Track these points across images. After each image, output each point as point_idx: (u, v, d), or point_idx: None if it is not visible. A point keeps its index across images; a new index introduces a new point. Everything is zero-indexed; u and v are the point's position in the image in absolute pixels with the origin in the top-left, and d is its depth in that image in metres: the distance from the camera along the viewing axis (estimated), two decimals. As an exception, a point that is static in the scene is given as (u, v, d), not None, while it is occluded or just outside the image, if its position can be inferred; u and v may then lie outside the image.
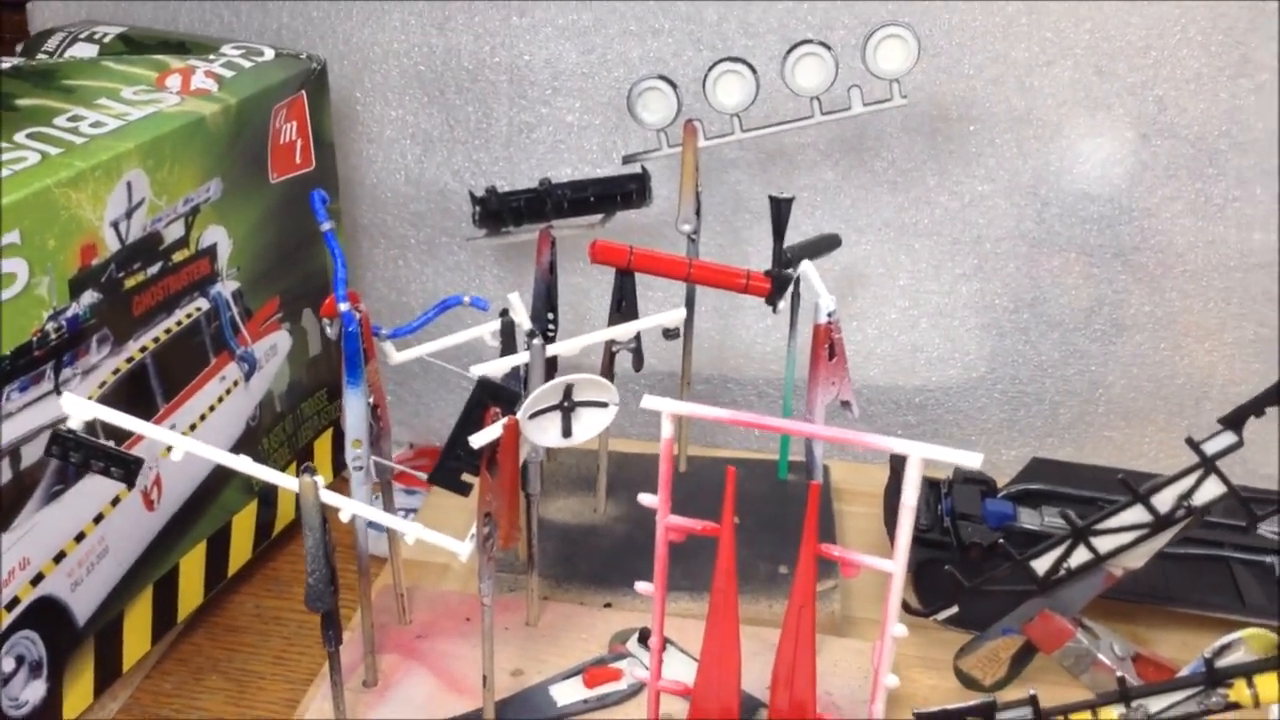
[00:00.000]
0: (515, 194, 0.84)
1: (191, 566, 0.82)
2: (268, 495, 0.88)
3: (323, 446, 0.95)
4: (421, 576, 0.85)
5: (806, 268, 0.65)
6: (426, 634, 0.74)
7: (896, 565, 0.54)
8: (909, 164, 0.93)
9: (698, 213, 0.81)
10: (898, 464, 0.88)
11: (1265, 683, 0.55)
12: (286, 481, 0.58)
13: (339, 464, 0.97)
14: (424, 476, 0.62)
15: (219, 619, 0.86)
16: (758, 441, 1.03)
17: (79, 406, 0.55)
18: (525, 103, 0.95)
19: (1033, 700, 0.57)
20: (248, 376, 0.85)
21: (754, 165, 0.95)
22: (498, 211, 0.84)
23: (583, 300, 1.00)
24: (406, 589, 0.77)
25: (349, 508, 0.59)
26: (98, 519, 0.73)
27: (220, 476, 0.83)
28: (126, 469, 0.57)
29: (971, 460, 0.51)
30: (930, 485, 0.86)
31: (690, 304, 0.85)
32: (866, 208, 0.95)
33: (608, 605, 0.79)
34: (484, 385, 0.59)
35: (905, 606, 0.75)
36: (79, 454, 0.55)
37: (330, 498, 0.58)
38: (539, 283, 0.83)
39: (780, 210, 0.73)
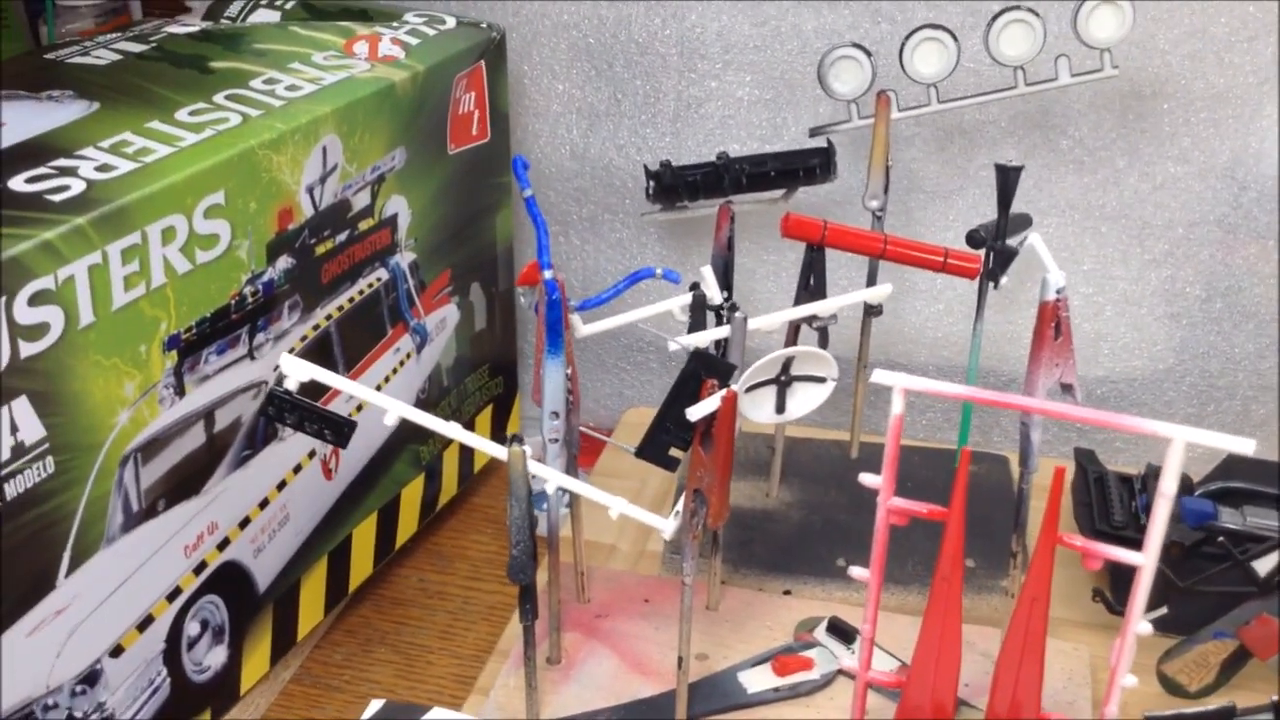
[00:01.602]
0: (691, 168, 0.82)
1: (363, 538, 0.82)
2: (434, 469, 0.87)
3: (483, 422, 0.94)
4: (591, 556, 0.83)
5: (1035, 240, 0.62)
6: (606, 614, 0.73)
7: (1147, 558, 0.50)
8: (1097, 143, 0.89)
9: (886, 189, 0.79)
10: (1084, 459, 0.85)
11: None
12: (497, 450, 0.57)
13: (498, 440, 0.96)
14: (630, 449, 0.60)
15: (385, 592, 0.86)
16: (922, 430, 1.00)
17: (297, 367, 0.54)
18: (694, 76, 0.93)
19: (1275, 707, 0.54)
20: (419, 349, 0.84)
21: (930, 143, 0.92)
22: (673, 186, 0.82)
23: (746, 280, 0.98)
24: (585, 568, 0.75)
25: (555, 479, 0.57)
26: (281, 486, 0.73)
27: (391, 449, 0.82)
28: (339, 431, 0.56)
29: (1242, 446, 0.47)
30: (1122, 480, 0.82)
31: (871, 284, 0.82)
32: (1050, 188, 0.91)
33: (787, 592, 0.77)
34: (700, 356, 0.57)
35: (1109, 606, 0.72)
36: (294, 415, 0.55)
37: (537, 468, 0.57)
38: (716, 258, 0.80)
39: (1008, 178, 0.70)
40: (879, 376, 0.52)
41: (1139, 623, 0.51)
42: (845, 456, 0.88)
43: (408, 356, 0.83)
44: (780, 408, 0.57)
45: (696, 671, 0.68)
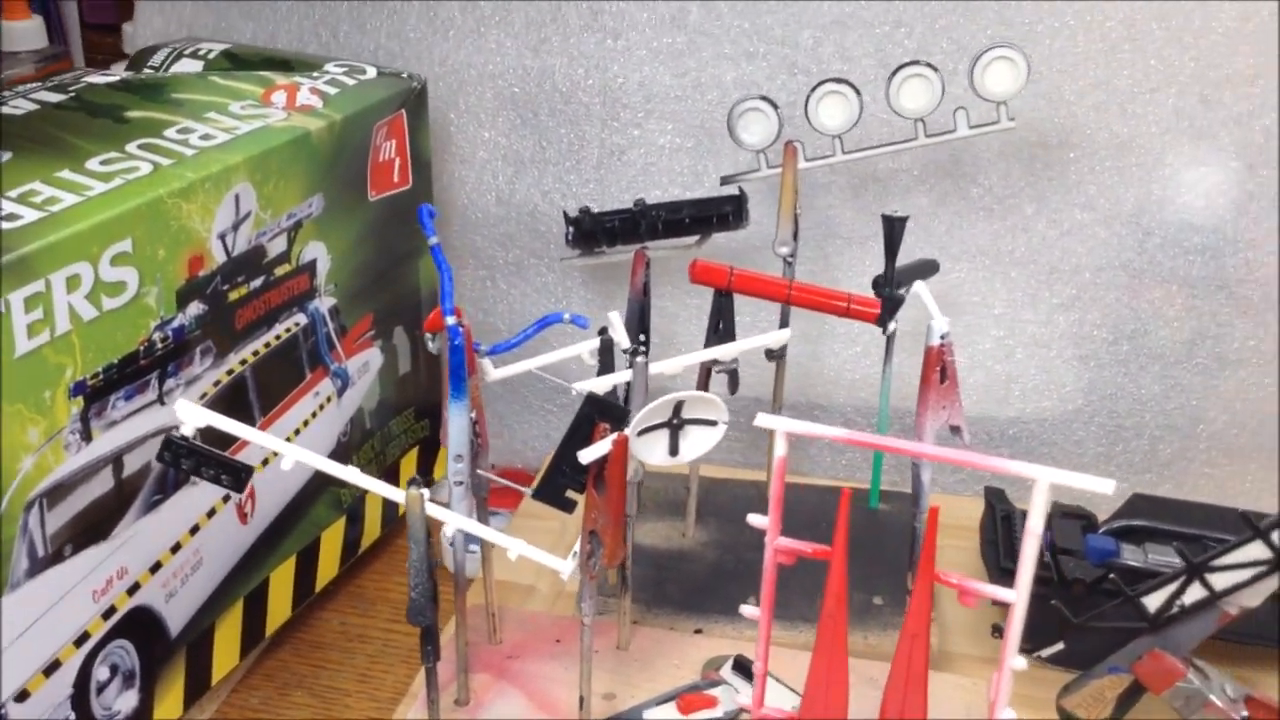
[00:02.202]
0: (609, 214, 0.84)
1: (281, 581, 0.82)
2: (355, 512, 0.88)
3: (409, 464, 0.95)
4: (507, 597, 0.84)
5: (920, 288, 0.64)
6: (517, 654, 0.74)
7: (1019, 595, 0.52)
8: (1006, 191, 0.92)
9: (795, 236, 0.81)
10: (993, 497, 0.87)
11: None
12: (393, 493, 0.58)
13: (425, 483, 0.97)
14: (528, 491, 0.61)
15: (305, 635, 0.86)
16: (843, 470, 1.01)
17: (193, 413, 0.55)
18: (617, 125, 0.95)
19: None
20: (340, 393, 0.85)
21: (846, 190, 0.94)
22: (591, 232, 0.84)
23: (669, 324, 0.99)
24: (500, 608, 0.76)
25: (454, 522, 0.58)
26: (194, 530, 0.74)
27: (311, 492, 0.83)
28: (236, 477, 0.57)
29: (1103, 487, 0.49)
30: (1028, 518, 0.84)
31: (784, 328, 0.84)
32: (961, 234, 0.93)
33: (698, 631, 0.78)
34: (593, 401, 0.58)
35: (1008, 641, 0.73)
36: (190, 460, 0.55)
37: (435, 511, 0.58)
38: (632, 303, 0.82)
39: (894, 229, 0.72)
40: (761, 420, 0.54)
41: (1015, 658, 0.53)
42: (762, 497, 0.89)
43: (328, 400, 0.84)
44: (673, 450, 0.59)
45: (603, 710, 0.69)
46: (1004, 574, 0.79)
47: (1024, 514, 0.84)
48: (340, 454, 0.85)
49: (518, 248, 0.99)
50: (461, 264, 1.01)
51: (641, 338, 0.83)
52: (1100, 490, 0.48)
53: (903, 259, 0.87)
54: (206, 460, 0.56)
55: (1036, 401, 0.96)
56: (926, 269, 0.82)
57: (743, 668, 0.71)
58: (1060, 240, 0.92)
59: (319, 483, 0.83)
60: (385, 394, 0.90)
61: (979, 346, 0.95)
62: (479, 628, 0.75)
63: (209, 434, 0.60)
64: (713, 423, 0.58)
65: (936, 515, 0.53)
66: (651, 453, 0.59)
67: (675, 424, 0.58)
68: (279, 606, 0.83)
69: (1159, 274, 0.92)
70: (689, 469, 0.84)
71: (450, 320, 0.62)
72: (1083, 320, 0.94)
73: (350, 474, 0.58)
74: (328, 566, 0.87)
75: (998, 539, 0.82)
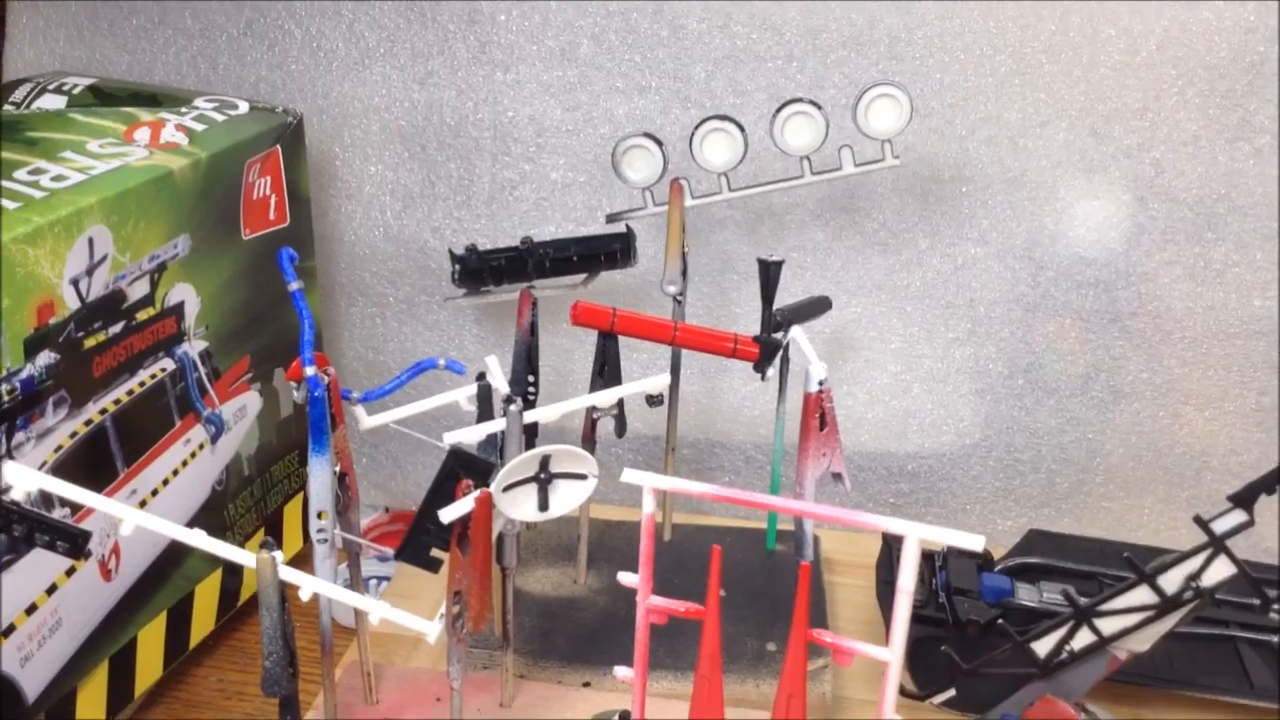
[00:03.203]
0: (496, 252, 0.82)
1: (150, 639, 0.78)
2: (234, 564, 0.84)
3: (293, 511, 0.91)
4: (393, 651, 0.81)
5: (797, 334, 0.63)
6: (393, 715, 0.70)
7: (893, 654, 0.50)
8: (900, 225, 0.91)
9: (684, 274, 0.79)
10: (890, 537, 0.86)
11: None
12: (243, 558, 0.55)
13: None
14: (390, 553, 0.59)
15: (180, 694, 0.82)
16: (745, 510, 1.00)
17: (23, 476, 0.52)
18: (509, 159, 0.93)
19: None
20: (214, 439, 0.81)
21: (742, 225, 0.93)
22: (478, 270, 0.82)
23: (566, 362, 0.97)
24: (375, 665, 0.73)
25: (309, 585, 0.55)
26: (50, 590, 0.69)
27: (183, 546, 0.79)
28: (73, 543, 0.53)
29: (973, 543, 0.48)
30: (924, 558, 0.82)
31: (675, 368, 0.82)
32: (857, 270, 0.92)
33: (586, 684, 0.75)
34: (456, 455, 0.56)
35: (900, 689, 0.72)
36: (22, 526, 0.52)
37: (290, 574, 0.55)
38: (519, 344, 0.80)
39: (769, 273, 0.70)
40: (628, 476, 0.52)
41: (891, 714, 0.51)
42: (658, 540, 0.87)
43: (200, 447, 0.80)
44: (543, 505, 0.56)
45: (482, 774, 0.66)
46: (899, 616, 0.78)
47: (923, 554, 0.83)
48: (215, 503, 0.82)
49: (407, 284, 0.97)
50: (350, 301, 0.98)
51: (531, 380, 0.81)
52: (970, 547, 0.47)
53: (798, 294, 0.86)
54: (40, 525, 0.53)
55: (935, 437, 0.95)
56: (819, 306, 0.81)
57: (630, 724, 0.69)
58: (955, 274, 0.92)
59: (191, 535, 0.79)
60: (266, 438, 0.87)
61: (876, 382, 0.95)
62: (357, 687, 0.72)
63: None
64: (582, 476, 0.56)
65: (808, 573, 0.51)
66: (520, 509, 0.56)
67: (543, 479, 0.56)
68: (149, 665, 0.79)
69: (1053, 307, 0.91)
70: (579, 514, 0.82)
71: (310, 370, 0.59)
72: (979, 355, 0.93)
73: (195, 537, 0.55)
74: (203, 621, 0.83)
75: (892, 579, 0.80)
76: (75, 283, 0.67)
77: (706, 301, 0.94)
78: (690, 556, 0.86)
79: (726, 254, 0.93)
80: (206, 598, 0.83)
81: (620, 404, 0.74)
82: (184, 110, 0.79)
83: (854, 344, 0.94)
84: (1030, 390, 0.93)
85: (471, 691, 0.73)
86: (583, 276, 0.81)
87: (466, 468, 0.56)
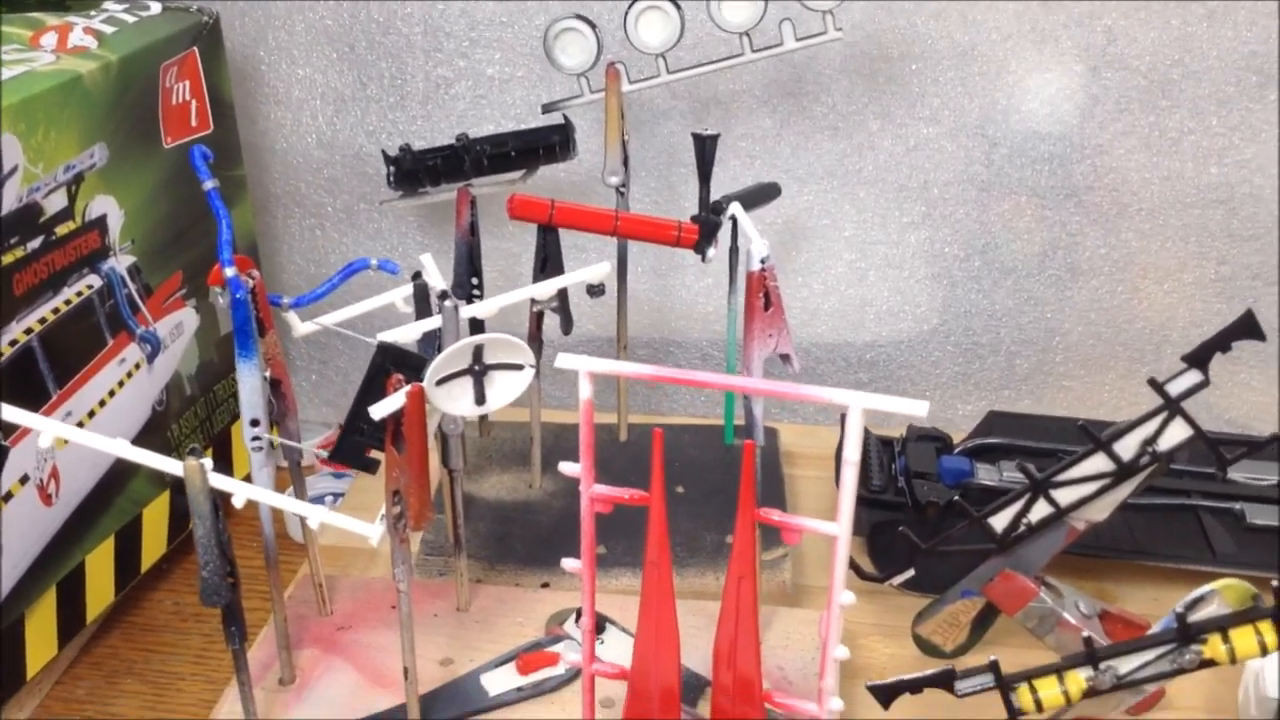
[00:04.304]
0: (431, 151, 0.79)
1: (99, 564, 0.76)
2: (181, 484, 0.82)
3: (240, 432, 0.89)
4: (350, 564, 0.80)
5: (736, 210, 0.60)
6: (349, 625, 0.69)
7: (841, 528, 0.49)
8: (850, 108, 0.89)
9: (626, 164, 0.76)
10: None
11: (1241, 637, 0.51)
12: (171, 466, 0.53)
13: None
14: (324, 455, 0.57)
15: (135, 618, 0.81)
16: (704, 407, 0.98)
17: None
18: (441, 56, 0.89)
19: (993, 666, 0.53)
20: (151, 358, 0.79)
21: (688, 115, 0.90)
22: (413, 171, 0.79)
23: (515, 265, 0.95)
24: (330, 578, 0.72)
25: (242, 491, 0.53)
26: (-14, 516, 0.67)
27: (126, 467, 0.76)
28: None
29: (917, 409, 0.46)
30: (884, 444, 0.82)
31: (623, 262, 0.80)
32: (807, 156, 0.90)
33: (545, 586, 0.74)
34: (385, 350, 0.54)
35: (859, 572, 0.71)
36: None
37: (220, 481, 0.53)
38: (460, 245, 0.77)
39: (705, 148, 0.68)
40: (562, 361, 0.50)
41: (841, 593, 0.50)
42: (614, 440, 0.86)
43: (136, 367, 0.78)
44: (480, 399, 0.54)
45: (440, 677, 0.65)
46: (859, 502, 0.77)
47: (880, 441, 0.82)
48: (156, 424, 0.80)
49: (345, 192, 0.94)
50: (287, 213, 0.95)
51: (475, 282, 0.79)
52: (915, 413, 0.45)
53: (747, 183, 0.84)
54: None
55: (892, 324, 0.93)
56: (768, 193, 0.79)
57: (589, 620, 0.68)
58: (907, 156, 0.89)
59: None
60: (206, 356, 0.84)
61: (831, 271, 0.93)
62: (310, 600, 0.71)
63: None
64: (519, 366, 0.54)
65: (753, 451, 0.49)
66: (456, 404, 0.54)
67: (478, 370, 0.54)
68: (99, 591, 0.77)
69: (1007, 185, 0.89)
70: (530, 417, 0.80)
71: (230, 272, 0.57)
72: (934, 238, 0.91)
73: (119, 447, 0.53)
74: (153, 544, 0.81)
75: (853, 467, 0.79)
76: (-17, 195, 0.64)
77: (654, 196, 0.92)
78: (646, 455, 0.84)
79: (672, 146, 0.91)
80: (155, 520, 0.81)
81: (564, 299, 0.72)
82: (93, 13, 0.75)
83: (807, 234, 0.92)
84: (987, 271, 0.91)
85: (428, 597, 0.72)
86: (521, 172, 0.79)
87: (398, 363, 0.54)
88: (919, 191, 0.90)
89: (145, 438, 0.78)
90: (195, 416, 0.84)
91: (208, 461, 0.53)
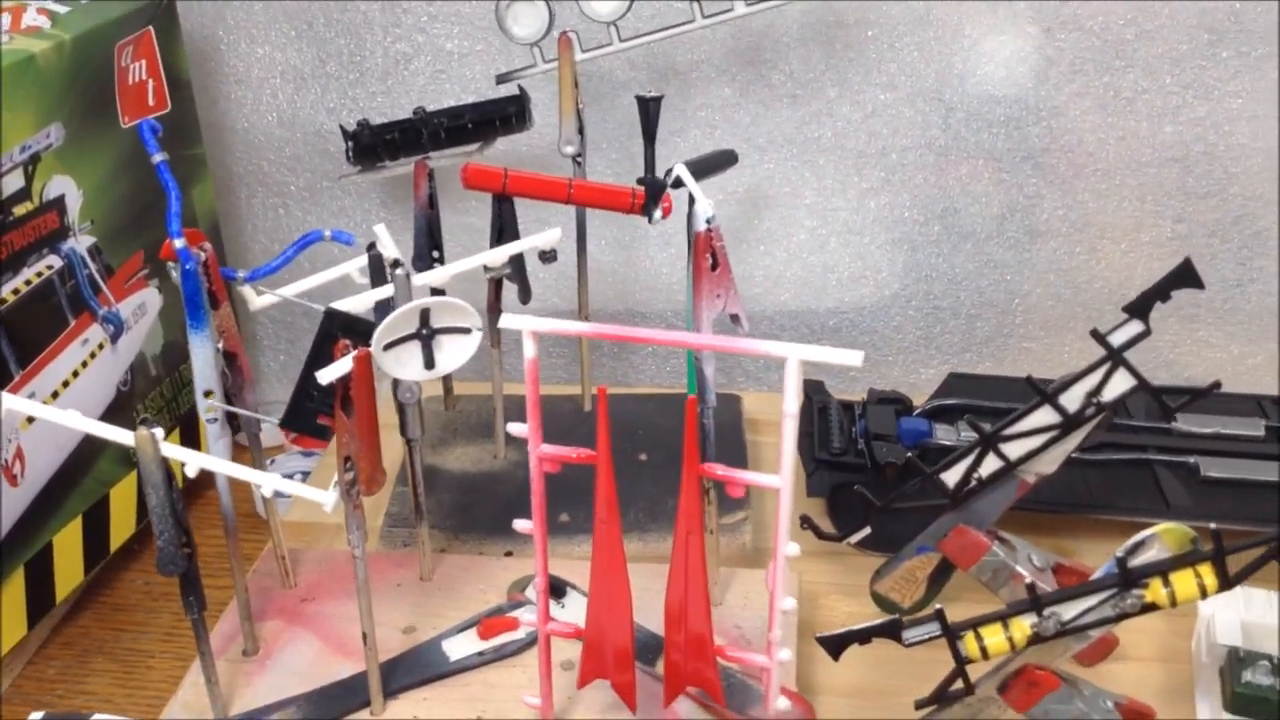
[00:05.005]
0: (389, 126, 0.79)
1: (67, 544, 0.77)
2: (148, 463, 0.83)
3: (209, 410, 0.90)
4: (316, 539, 0.80)
5: (681, 169, 0.61)
6: (312, 597, 0.70)
7: (783, 480, 0.50)
8: (808, 75, 0.89)
9: (581, 132, 0.77)
10: (811, 389, 0.85)
11: (1182, 580, 0.51)
12: (122, 437, 0.53)
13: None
14: (274, 422, 0.57)
15: (106, 598, 0.82)
16: (669, 377, 0.99)
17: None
18: (400, 31, 0.90)
19: (939, 615, 0.54)
20: (114, 338, 0.79)
21: (647, 86, 0.90)
22: (371, 145, 0.79)
23: (478, 240, 0.95)
24: (295, 551, 0.72)
25: (194, 461, 0.54)
26: (-52, 497, 0.68)
27: (92, 447, 0.77)
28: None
29: (851, 359, 0.47)
30: (845, 408, 0.82)
31: (582, 231, 0.81)
32: (767, 124, 0.90)
33: (508, 554, 0.75)
34: (332, 316, 0.54)
35: (817, 531, 0.72)
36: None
37: (172, 451, 0.54)
38: (419, 218, 0.78)
39: (649, 110, 0.68)
40: (505, 321, 0.50)
41: (786, 544, 0.51)
42: (578, 410, 0.87)
43: (100, 347, 0.78)
44: (429, 363, 0.55)
45: (403, 645, 0.66)
46: (819, 464, 0.78)
47: (841, 405, 0.83)
48: (122, 404, 0.80)
49: (308, 171, 0.94)
50: (250, 193, 0.95)
51: (435, 255, 0.79)
52: (848, 363, 0.46)
53: (705, 150, 0.84)
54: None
55: (854, 290, 0.94)
56: (725, 160, 0.79)
57: (551, 586, 0.68)
58: (865, 123, 0.90)
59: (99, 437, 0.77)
60: (171, 337, 0.85)
61: (793, 239, 0.93)
62: (274, 573, 0.71)
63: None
64: (466, 330, 0.55)
65: (694, 405, 0.50)
66: (404, 368, 0.55)
67: (425, 334, 0.54)
68: (68, 571, 0.78)
69: (965, 150, 0.90)
70: (492, 389, 0.80)
71: (179, 243, 0.57)
72: (893, 203, 0.92)
73: (69, 418, 0.53)
74: (122, 524, 0.82)
75: (814, 430, 0.80)
76: (-65, 176, 0.64)
77: (615, 168, 0.92)
78: (611, 423, 0.85)
79: (632, 117, 0.90)
80: (123, 500, 0.81)
81: (519, 267, 0.72)
82: (44, -6, 0.75)
83: (768, 202, 0.93)
84: (947, 236, 0.92)
85: (391, 567, 0.72)
86: (478, 144, 0.79)
87: (346, 329, 0.54)
88: (878, 157, 0.91)
89: (110, 418, 0.79)
90: (161, 397, 0.84)
91: (159, 431, 0.53)
